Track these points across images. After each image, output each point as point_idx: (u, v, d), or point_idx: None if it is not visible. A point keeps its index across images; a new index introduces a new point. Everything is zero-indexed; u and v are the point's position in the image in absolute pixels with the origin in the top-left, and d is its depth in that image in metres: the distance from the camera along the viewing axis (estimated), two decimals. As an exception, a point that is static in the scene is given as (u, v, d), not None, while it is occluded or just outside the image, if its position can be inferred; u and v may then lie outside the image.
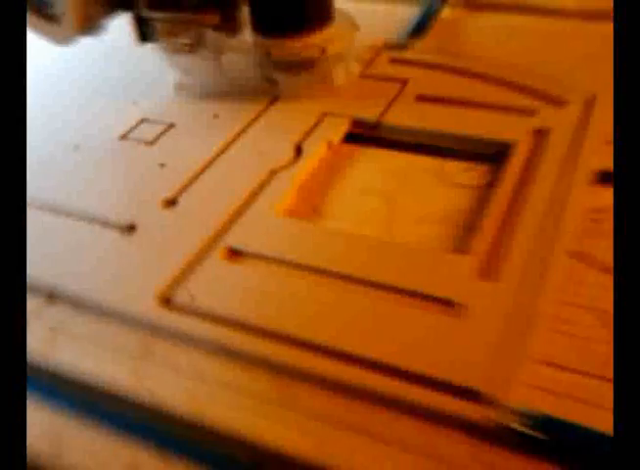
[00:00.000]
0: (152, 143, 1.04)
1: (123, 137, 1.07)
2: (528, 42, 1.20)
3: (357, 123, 1.03)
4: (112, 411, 0.68)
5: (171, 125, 1.08)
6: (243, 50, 1.09)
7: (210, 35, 1.08)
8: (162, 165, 0.98)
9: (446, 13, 1.34)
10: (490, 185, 0.90)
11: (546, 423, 0.60)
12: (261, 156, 0.97)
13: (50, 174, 1.00)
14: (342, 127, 1.02)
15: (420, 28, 1.26)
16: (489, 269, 0.76)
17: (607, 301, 0.73)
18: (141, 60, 1.23)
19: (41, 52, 1.21)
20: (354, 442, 0.62)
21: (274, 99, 1.10)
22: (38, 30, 1.06)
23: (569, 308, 0.73)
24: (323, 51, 1.05)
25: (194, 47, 1.09)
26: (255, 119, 1.06)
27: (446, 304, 0.73)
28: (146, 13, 1.05)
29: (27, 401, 0.70)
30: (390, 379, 0.66)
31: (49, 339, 0.74)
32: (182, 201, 0.91)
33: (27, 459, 0.65)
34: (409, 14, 1.32)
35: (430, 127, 0.99)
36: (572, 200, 0.84)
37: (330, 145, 1.00)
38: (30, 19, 1.04)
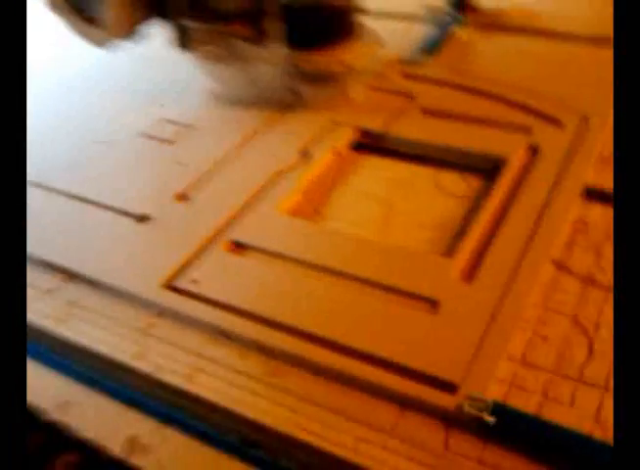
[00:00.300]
0: (172, 142, 1.11)
1: (146, 135, 1.14)
2: (535, 63, 1.25)
3: (364, 133, 1.09)
4: (115, 382, 0.75)
5: (191, 126, 1.15)
6: (271, 61, 1.15)
7: (241, 46, 1.13)
8: (179, 163, 1.05)
9: (460, 33, 1.39)
10: (483, 196, 0.95)
11: (498, 409, 0.65)
12: (271, 158, 1.03)
13: (76, 165, 1.07)
14: (350, 136, 1.08)
15: (433, 46, 1.32)
16: (472, 272, 0.81)
17: (584, 308, 0.78)
18: (171, 66, 1.30)
19: (85, 53, 1.29)
20: (331, 420, 0.68)
21: (289, 106, 1.16)
22: (79, 32, 1.13)
23: (547, 313, 0.78)
24: (347, 66, 1.11)
25: (226, 57, 1.14)
26: (269, 125, 1.13)
27: (430, 302, 0.78)
28: (183, 22, 1.11)
29: (40, 368, 0.76)
30: (373, 367, 0.71)
31: (65, 311, 0.82)
32: (194, 196, 0.97)
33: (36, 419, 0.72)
34: (425, 32, 1.37)
35: (431, 140, 1.05)
36: (559, 213, 0.89)
37: (336, 151, 1.06)
38: (71, 20, 1.11)
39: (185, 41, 1.15)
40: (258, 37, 1.12)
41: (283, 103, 1.17)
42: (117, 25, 1.10)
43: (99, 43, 1.13)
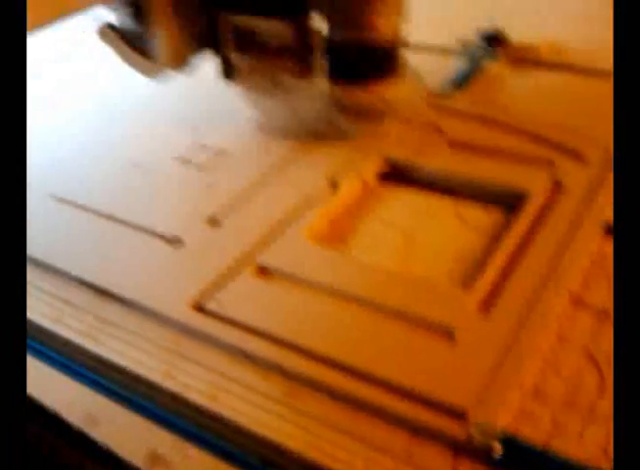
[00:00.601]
0: (205, 167, 1.16)
1: (181, 160, 1.19)
2: (563, 98, 1.27)
3: (391, 163, 1.12)
4: (141, 398, 0.78)
5: (225, 152, 1.20)
6: (314, 94, 1.18)
7: (286, 79, 1.17)
8: (211, 187, 1.09)
9: (491, 67, 1.42)
10: (505, 229, 0.97)
11: (507, 440, 0.67)
12: (300, 186, 1.07)
13: (113, 187, 1.13)
14: (377, 166, 1.12)
15: (463, 80, 1.35)
16: (489, 304, 0.84)
17: (599, 342, 0.80)
18: (211, 94, 1.36)
19: (128, 80, 1.35)
20: (344, 442, 0.70)
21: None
22: (131, 63, 1.16)
23: (561, 346, 0.80)
24: (389, 102, 1.13)
25: (270, 88, 1.18)
26: (300, 154, 1.17)
27: (447, 332, 0.81)
28: (231, 54, 1.16)
29: (69, 381, 0.81)
30: (387, 393, 0.74)
31: (96, 327, 0.86)
32: (224, 220, 1.02)
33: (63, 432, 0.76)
34: (456, 65, 1.41)
35: (456, 172, 1.08)
36: (579, 247, 0.91)
37: (363, 182, 1.09)
38: (122, 50, 1.15)
39: (231, 72, 1.19)
40: (303, 71, 1.15)
41: (324, 135, 1.19)
42: (170, 58, 1.13)
43: (150, 74, 1.17)
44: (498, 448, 0.67)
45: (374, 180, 1.11)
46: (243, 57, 1.16)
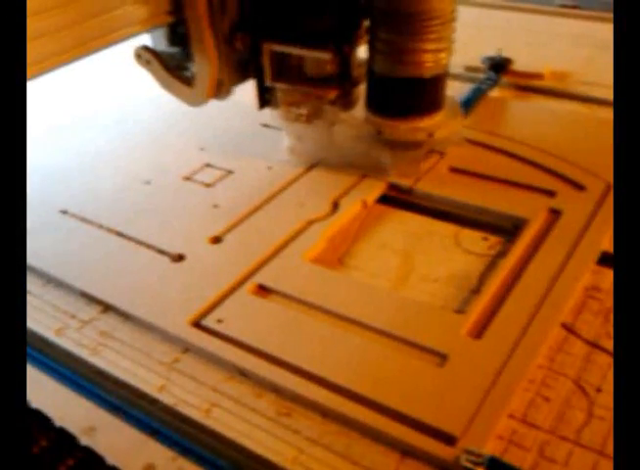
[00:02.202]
0: (210, 185, 1.19)
1: (188, 178, 1.22)
2: (565, 127, 1.29)
3: (392, 187, 1.15)
4: (139, 412, 0.80)
5: (230, 172, 1.22)
6: (354, 125, 1.18)
7: (326, 108, 1.17)
8: (216, 206, 1.12)
9: (495, 93, 1.45)
10: (501, 256, 0.99)
11: (493, 464, 0.68)
12: (301, 208, 1.09)
13: (119, 202, 1.16)
14: (378, 190, 1.14)
15: (467, 106, 1.37)
16: (482, 329, 0.85)
17: (589, 372, 0.81)
18: (226, 115, 1.39)
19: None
20: (335, 462, 0.72)
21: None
22: (170, 89, 1.16)
23: (551, 375, 0.81)
24: (430, 135, 1.13)
25: (310, 117, 1.17)
26: (303, 175, 1.19)
27: (439, 355, 0.82)
28: (270, 82, 1.15)
29: (69, 393, 0.83)
30: (378, 414, 0.75)
31: (98, 341, 0.88)
32: (227, 239, 1.04)
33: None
34: (461, 92, 1.43)
35: (456, 197, 1.10)
36: (574, 277, 0.92)
37: (364, 204, 1.11)
38: (163, 77, 1.14)
39: (269, 100, 1.18)
40: (343, 101, 1.15)
41: (360, 167, 1.19)
42: (212, 89, 1.13)
43: (191, 103, 1.17)
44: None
45: (374, 203, 1.13)
46: (282, 85, 1.16)
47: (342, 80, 1.12)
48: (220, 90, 1.14)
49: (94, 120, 1.46)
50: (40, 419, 0.79)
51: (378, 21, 1.07)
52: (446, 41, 1.07)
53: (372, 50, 1.10)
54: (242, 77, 1.17)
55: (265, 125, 1.36)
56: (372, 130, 1.15)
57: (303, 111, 1.16)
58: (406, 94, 1.10)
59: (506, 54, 1.49)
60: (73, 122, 1.46)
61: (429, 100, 1.12)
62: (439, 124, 1.14)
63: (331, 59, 1.08)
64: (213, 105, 1.33)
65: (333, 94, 1.13)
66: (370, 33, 1.09)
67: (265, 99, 1.19)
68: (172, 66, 1.14)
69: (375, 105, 1.15)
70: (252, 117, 1.39)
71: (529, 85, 1.45)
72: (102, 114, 1.49)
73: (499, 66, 1.47)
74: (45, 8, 0.87)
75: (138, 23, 1.02)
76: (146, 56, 1.13)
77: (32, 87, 1.58)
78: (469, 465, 0.69)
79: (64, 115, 1.49)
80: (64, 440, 0.77)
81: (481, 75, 1.47)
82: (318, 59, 1.11)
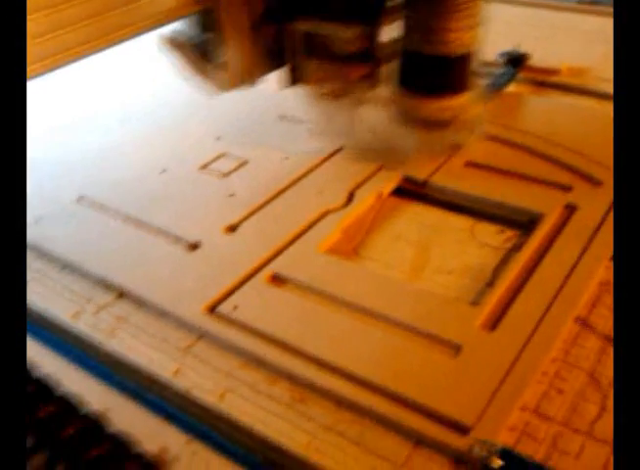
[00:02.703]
0: (226, 175, 1.19)
1: (203, 167, 1.22)
2: (582, 123, 1.28)
3: (407, 180, 1.15)
4: (153, 396, 0.81)
5: (246, 162, 1.23)
6: (381, 103, 1.19)
7: (355, 86, 1.18)
8: (232, 195, 1.13)
9: (512, 88, 1.44)
10: (516, 249, 0.99)
11: (506, 454, 0.68)
12: (317, 198, 1.10)
13: (137, 190, 1.16)
14: (393, 182, 1.14)
15: (484, 101, 1.37)
16: (496, 322, 0.85)
17: (602, 365, 0.81)
18: (236, 105, 1.40)
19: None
20: (349, 449, 0.72)
21: (337, 150, 1.23)
22: (200, 76, 1.18)
23: (565, 367, 0.81)
24: (457, 114, 1.13)
25: (337, 95, 1.19)
26: (319, 165, 1.19)
27: (453, 346, 0.83)
28: (298, 60, 1.17)
29: (87, 376, 0.84)
30: (392, 403, 0.76)
31: (115, 326, 0.89)
32: (242, 228, 1.04)
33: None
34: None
35: (471, 191, 1.10)
36: (589, 271, 0.92)
37: (379, 195, 1.11)
38: (193, 63, 1.16)
39: (298, 78, 1.20)
40: (371, 79, 1.16)
41: (388, 144, 1.21)
42: (239, 76, 1.15)
43: (220, 89, 1.18)
44: (497, 463, 0.68)
45: (389, 195, 1.13)
46: (311, 63, 1.17)
47: (367, 59, 1.13)
48: (247, 78, 1.16)
49: (112, 112, 1.47)
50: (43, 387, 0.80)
51: None
52: (474, 20, 1.07)
53: (404, 28, 1.10)
54: (271, 65, 1.19)
55: (282, 117, 1.37)
56: (398, 108, 1.16)
57: (331, 88, 1.18)
58: (433, 72, 1.11)
59: (523, 49, 1.48)
60: (92, 113, 1.46)
61: (456, 79, 1.12)
62: (466, 104, 1.14)
63: (360, 37, 1.10)
64: (230, 95, 1.34)
65: (360, 72, 1.15)
66: (404, 10, 1.09)
67: (294, 77, 1.20)
68: (201, 52, 1.15)
69: (403, 83, 1.15)
70: (269, 108, 1.40)
71: (546, 81, 1.44)
72: (120, 105, 1.50)
73: (516, 61, 1.46)
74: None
75: (169, 11, 1.03)
76: (175, 41, 1.15)
77: (54, 79, 1.61)
78: (481, 455, 0.69)
79: (83, 107, 1.50)
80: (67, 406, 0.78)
81: (498, 70, 1.46)
82: (348, 37, 1.12)
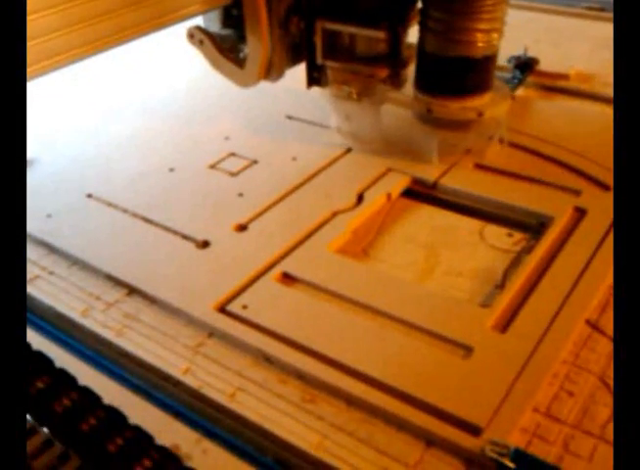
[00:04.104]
0: (235, 174, 1.19)
1: (213, 167, 1.22)
2: (590, 127, 1.28)
3: (417, 181, 1.15)
4: (164, 394, 0.81)
5: (255, 161, 1.23)
6: (403, 103, 1.20)
7: (377, 87, 1.19)
8: (241, 195, 1.13)
9: (521, 92, 1.44)
10: (527, 252, 0.99)
11: (518, 456, 0.68)
12: (327, 198, 1.10)
13: (146, 188, 1.16)
14: (403, 183, 1.14)
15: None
16: (507, 324, 0.85)
17: (612, 368, 0.81)
18: (244, 105, 1.41)
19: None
20: (360, 449, 0.72)
21: (346, 150, 1.23)
22: (223, 70, 1.20)
23: (576, 370, 0.81)
24: (480, 114, 1.14)
25: (360, 96, 1.19)
26: (328, 166, 1.19)
27: (464, 348, 0.83)
28: (322, 60, 1.18)
29: (97, 374, 0.83)
30: (403, 403, 0.76)
31: (124, 323, 0.89)
32: (252, 227, 1.04)
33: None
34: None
35: (481, 193, 1.10)
36: (599, 274, 0.92)
37: (389, 197, 1.11)
38: (216, 57, 1.18)
39: (319, 78, 1.21)
40: (394, 80, 1.17)
41: (411, 146, 1.21)
42: (265, 70, 1.16)
43: (243, 83, 1.20)
44: (510, 464, 0.68)
45: (399, 197, 1.13)
46: (334, 63, 1.18)
47: (393, 59, 1.15)
48: (271, 72, 1.17)
49: (122, 109, 1.47)
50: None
51: (432, 0, 1.09)
52: (498, 22, 1.08)
53: (424, 30, 1.12)
54: (293, 60, 1.20)
55: (290, 117, 1.37)
56: (421, 109, 1.16)
57: (354, 89, 1.18)
58: (457, 73, 1.12)
59: (532, 54, 1.49)
60: (101, 112, 1.46)
61: (479, 80, 1.13)
62: (489, 104, 1.15)
63: (384, 38, 1.11)
64: (239, 95, 1.34)
65: (384, 73, 1.16)
66: (422, 14, 1.11)
67: (314, 78, 1.21)
68: (224, 47, 1.17)
69: (425, 84, 1.16)
70: (277, 109, 1.40)
71: (555, 85, 1.45)
72: (130, 103, 1.50)
73: (525, 65, 1.47)
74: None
75: (197, 4, 1.05)
76: (199, 36, 1.16)
77: (64, 77, 1.60)
78: (494, 456, 0.69)
79: (91, 106, 1.50)
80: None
81: (507, 75, 1.46)
82: (370, 38, 1.14)
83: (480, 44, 1.08)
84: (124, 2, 0.91)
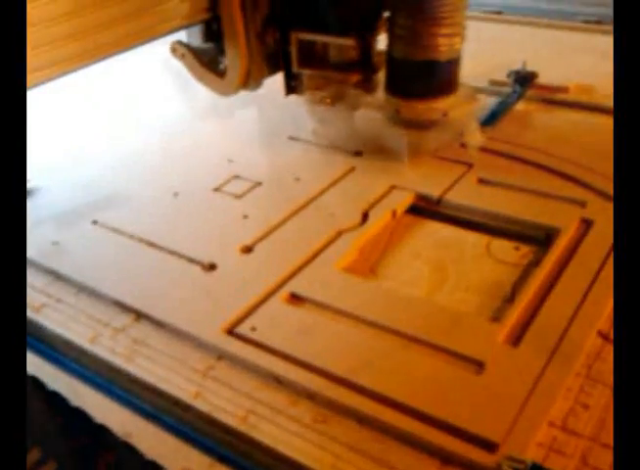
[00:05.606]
0: (240, 197, 1.19)
1: (217, 189, 1.22)
2: (592, 139, 1.28)
3: (421, 198, 1.15)
4: (174, 419, 0.80)
5: (259, 183, 1.23)
6: (375, 107, 1.27)
7: (349, 92, 1.27)
8: (246, 217, 1.13)
9: (521, 105, 1.45)
10: (534, 265, 0.99)
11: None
12: (332, 218, 1.10)
13: (151, 213, 1.17)
14: (407, 200, 1.14)
15: (493, 118, 1.37)
16: (518, 337, 0.85)
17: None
18: (246, 128, 1.42)
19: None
20: (370, 468, 0.71)
21: (350, 169, 1.23)
22: (204, 81, 1.27)
23: (589, 382, 0.80)
24: (445, 115, 1.21)
25: (333, 100, 1.28)
26: (332, 185, 1.20)
27: (476, 363, 0.82)
28: (297, 69, 1.26)
29: (106, 401, 0.83)
30: (417, 421, 0.75)
31: (132, 349, 0.88)
32: (258, 248, 1.04)
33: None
34: (487, 105, 1.43)
35: (485, 207, 1.09)
36: (609, 285, 0.91)
37: (394, 214, 1.11)
38: (196, 68, 1.24)
39: (295, 87, 1.29)
40: (365, 85, 1.25)
41: (383, 147, 1.27)
42: (244, 79, 1.22)
43: (223, 93, 1.27)
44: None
45: (404, 213, 1.13)
46: (308, 71, 1.26)
47: (363, 65, 1.23)
48: (250, 81, 1.24)
49: (124, 134, 1.48)
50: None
51: (398, 8, 1.16)
52: (458, 27, 1.16)
53: (392, 36, 1.19)
54: (270, 70, 1.27)
55: (292, 138, 1.37)
56: (391, 111, 1.24)
57: (327, 94, 1.27)
58: (423, 76, 1.20)
59: (531, 68, 1.50)
60: (103, 135, 1.47)
61: (443, 82, 1.21)
62: (453, 105, 1.22)
63: (355, 46, 1.21)
64: (242, 118, 1.35)
65: (355, 78, 1.25)
66: (390, 22, 1.18)
67: (291, 86, 1.29)
68: (205, 59, 1.24)
69: (394, 87, 1.24)
70: (279, 131, 1.40)
71: (555, 98, 1.45)
72: (131, 127, 1.51)
73: (524, 79, 1.47)
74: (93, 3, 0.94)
75: (179, 18, 1.11)
76: (181, 50, 1.24)
77: (65, 97, 1.61)
78: (513, 470, 0.68)
79: (95, 128, 1.51)
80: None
81: (506, 89, 1.47)
82: (342, 46, 1.23)
83: (442, 48, 1.15)
84: (109, 19, 0.96)
